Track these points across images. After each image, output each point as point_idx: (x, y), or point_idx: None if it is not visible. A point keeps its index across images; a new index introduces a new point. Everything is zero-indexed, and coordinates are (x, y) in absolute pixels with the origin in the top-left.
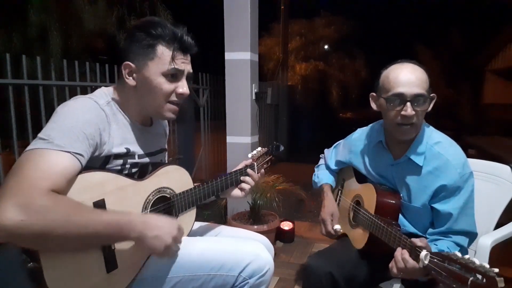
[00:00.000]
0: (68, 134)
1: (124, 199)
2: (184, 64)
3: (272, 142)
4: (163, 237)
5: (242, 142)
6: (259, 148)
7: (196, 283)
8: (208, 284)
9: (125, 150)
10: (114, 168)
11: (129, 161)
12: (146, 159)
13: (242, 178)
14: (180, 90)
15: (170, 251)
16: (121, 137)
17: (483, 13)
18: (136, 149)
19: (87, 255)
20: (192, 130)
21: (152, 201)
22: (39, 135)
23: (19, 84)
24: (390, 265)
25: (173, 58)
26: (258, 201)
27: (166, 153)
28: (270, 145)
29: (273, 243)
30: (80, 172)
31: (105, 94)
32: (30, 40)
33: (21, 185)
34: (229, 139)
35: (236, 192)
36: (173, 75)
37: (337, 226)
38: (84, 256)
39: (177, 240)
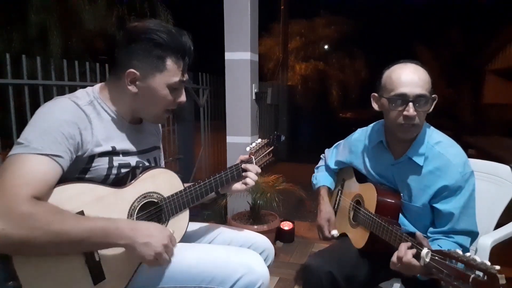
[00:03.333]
0: (46, 136)
1: (106, 209)
2: (186, 74)
3: None
4: (153, 244)
5: (242, 142)
6: (259, 140)
7: None
8: None
9: (110, 148)
10: (101, 167)
11: (115, 158)
12: (136, 157)
13: (244, 174)
14: (180, 99)
15: (161, 259)
16: (106, 135)
17: (483, 13)
18: (124, 146)
19: (70, 269)
20: (192, 130)
21: (137, 208)
22: (18, 139)
23: (19, 84)
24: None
25: (183, 72)
26: (258, 201)
27: (161, 151)
28: (271, 135)
29: (273, 243)
30: (55, 185)
31: (87, 94)
32: (30, 40)
33: (1, 193)
34: (229, 139)
35: (237, 186)
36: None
37: (334, 232)
38: (67, 270)
39: (168, 248)
